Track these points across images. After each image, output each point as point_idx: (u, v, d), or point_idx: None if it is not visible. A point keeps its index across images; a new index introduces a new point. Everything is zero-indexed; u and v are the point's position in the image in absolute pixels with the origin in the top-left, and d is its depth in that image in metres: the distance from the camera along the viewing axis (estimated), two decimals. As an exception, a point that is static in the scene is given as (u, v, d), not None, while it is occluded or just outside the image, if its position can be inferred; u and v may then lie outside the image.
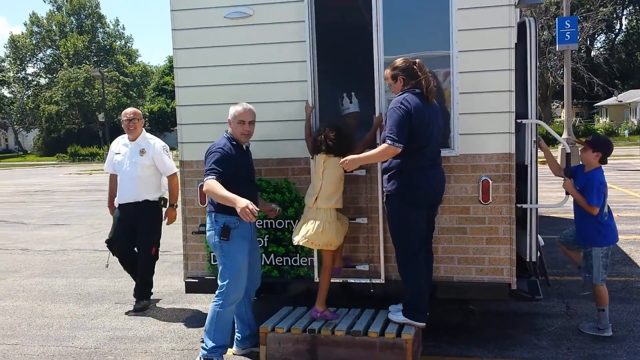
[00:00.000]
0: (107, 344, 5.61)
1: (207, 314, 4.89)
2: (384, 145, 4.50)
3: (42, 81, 71.62)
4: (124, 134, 6.65)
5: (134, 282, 6.71)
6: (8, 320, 6.41)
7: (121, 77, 63.68)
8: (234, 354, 5.17)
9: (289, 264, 5.41)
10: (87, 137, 60.22)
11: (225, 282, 4.76)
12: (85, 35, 68.54)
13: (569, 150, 5.39)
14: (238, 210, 4.29)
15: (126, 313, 6.50)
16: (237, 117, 4.80)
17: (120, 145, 6.63)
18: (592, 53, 49.61)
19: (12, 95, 72.06)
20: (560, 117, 55.07)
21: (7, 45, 70.43)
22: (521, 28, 5.15)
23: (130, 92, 64.74)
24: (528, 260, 5.21)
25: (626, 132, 45.44)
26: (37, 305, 6.98)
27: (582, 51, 42.20)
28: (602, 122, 55.29)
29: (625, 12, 56.59)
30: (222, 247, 4.74)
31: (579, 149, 5.40)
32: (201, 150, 4.85)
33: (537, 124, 5.10)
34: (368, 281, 5.23)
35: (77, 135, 62.00)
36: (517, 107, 4.96)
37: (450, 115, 4.99)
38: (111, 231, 6.61)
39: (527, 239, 5.15)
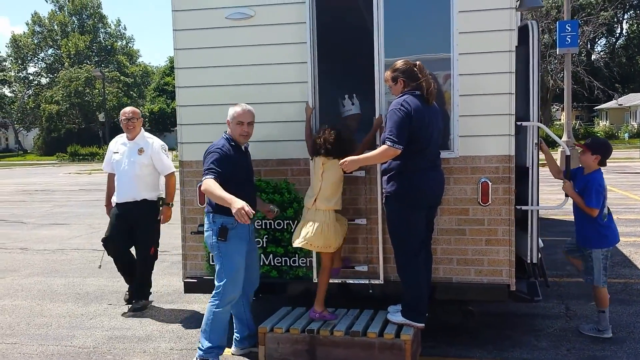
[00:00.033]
0: (106, 343, 5.61)
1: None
2: (383, 147, 4.50)
3: (43, 81, 71.74)
4: (124, 133, 6.65)
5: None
6: (7, 320, 6.41)
7: (122, 77, 63.74)
8: (232, 354, 5.18)
9: (288, 264, 5.42)
10: (87, 136, 60.25)
11: (222, 283, 4.75)
12: (86, 35, 68.62)
13: (568, 153, 5.40)
14: (233, 212, 4.27)
15: (124, 313, 6.49)
16: (236, 118, 4.80)
17: (118, 144, 6.62)
18: (593, 57, 49.68)
19: (13, 95, 72.15)
20: (560, 120, 55.10)
21: (9, 45, 70.65)
22: (524, 31, 5.16)
23: (131, 92, 64.79)
24: (529, 261, 5.21)
25: (626, 135, 45.47)
26: (36, 304, 6.98)
27: (582, 55, 42.27)
28: (602, 125, 55.34)
29: (626, 16, 56.71)
30: (220, 247, 4.73)
31: (578, 151, 5.41)
32: (201, 151, 4.85)
33: (538, 126, 5.11)
34: (367, 282, 5.24)
35: (77, 135, 62.03)
36: (518, 109, 4.97)
37: (450, 118, 5.00)
38: (108, 229, 6.56)
39: (529, 241, 5.16)
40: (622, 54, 57.58)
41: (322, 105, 5.28)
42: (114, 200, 6.56)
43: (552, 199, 12.59)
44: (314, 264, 5.26)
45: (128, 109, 6.58)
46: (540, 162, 5.29)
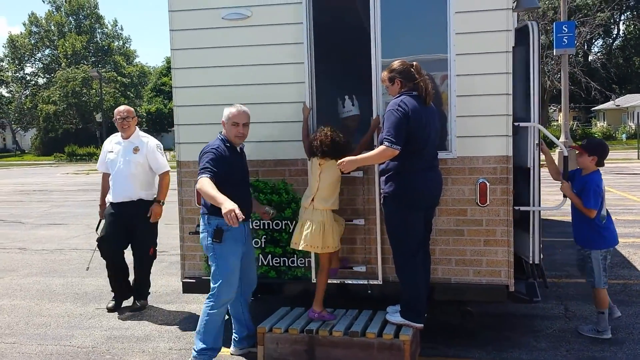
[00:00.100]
0: (105, 343, 5.61)
1: (204, 314, 4.89)
2: (381, 147, 4.51)
3: (40, 81, 71.57)
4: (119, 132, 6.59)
5: (131, 282, 6.70)
6: (6, 319, 6.41)
7: (119, 78, 63.63)
8: (231, 354, 5.18)
9: (287, 264, 5.42)
10: (84, 137, 60.10)
11: (217, 285, 4.74)
12: (83, 35, 68.49)
13: (566, 154, 5.41)
14: (223, 213, 4.20)
15: (122, 314, 6.49)
16: (231, 119, 4.77)
17: (113, 143, 6.56)
18: (590, 57, 49.68)
19: (10, 95, 72.04)
20: (557, 120, 55.13)
21: (6, 45, 70.44)
22: (524, 32, 5.17)
23: (128, 93, 64.69)
24: (531, 262, 5.22)
25: (624, 136, 45.52)
26: (34, 304, 6.97)
27: (579, 55, 42.28)
28: (599, 126, 55.38)
29: (622, 17, 56.75)
30: (215, 249, 4.72)
31: (576, 153, 5.42)
32: (198, 151, 4.83)
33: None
34: (366, 282, 5.24)
35: (74, 135, 61.90)
36: (518, 110, 4.98)
37: (448, 118, 5.01)
38: (103, 229, 6.49)
39: (530, 241, 5.16)
40: (619, 55, 57.62)
41: (319, 106, 5.28)
42: (109, 199, 6.50)
43: (550, 199, 12.60)
44: (313, 264, 5.27)
45: (122, 107, 6.52)
46: (540, 163, 5.29)
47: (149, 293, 6.78)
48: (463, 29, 4.89)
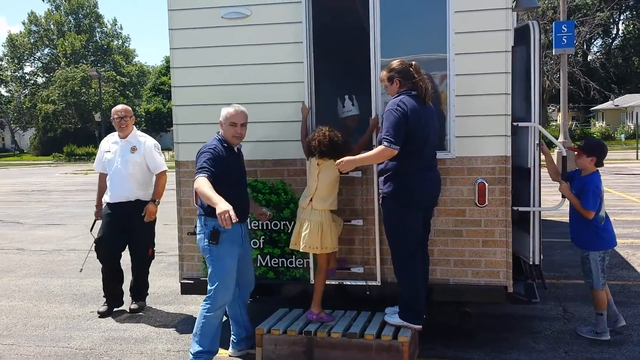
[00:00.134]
0: (103, 344, 5.59)
1: (202, 315, 4.87)
2: (380, 147, 4.49)
3: (40, 80, 71.53)
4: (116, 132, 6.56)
5: (129, 284, 6.67)
6: (4, 321, 6.39)
7: (118, 77, 63.60)
8: (229, 356, 5.16)
9: (285, 265, 5.40)
10: (83, 136, 60.07)
11: (213, 287, 4.71)
12: (82, 34, 68.46)
13: (564, 154, 5.40)
14: (217, 214, 4.14)
15: (121, 315, 6.47)
16: (229, 119, 4.74)
17: (110, 143, 6.51)
18: (589, 57, 49.76)
19: (9, 94, 72.03)
20: (556, 120, 55.17)
21: (5, 44, 70.42)
22: (524, 31, 5.16)
23: (127, 92, 64.66)
24: (531, 263, 5.20)
25: (622, 136, 45.54)
26: (32, 305, 6.95)
27: (578, 55, 42.36)
28: (598, 126, 55.42)
29: (622, 17, 56.80)
30: (211, 250, 4.69)
31: (574, 155, 5.40)
32: (197, 151, 4.82)
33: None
34: (364, 283, 5.23)
35: (73, 134, 61.87)
36: (518, 110, 4.96)
37: (447, 118, 5.00)
38: (100, 230, 6.42)
39: (531, 242, 5.15)
40: (618, 55, 57.68)
41: (318, 106, 5.27)
42: (106, 200, 6.43)
43: (549, 200, 12.58)
44: (311, 265, 5.25)
45: (120, 107, 6.47)
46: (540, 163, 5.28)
47: (148, 294, 6.75)
48: (462, 29, 4.88)
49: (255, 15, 5.25)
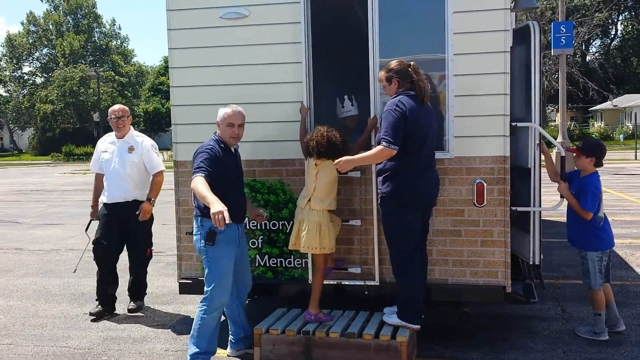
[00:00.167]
0: (101, 344, 5.59)
1: (200, 315, 4.87)
2: (379, 147, 4.49)
3: (38, 80, 71.54)
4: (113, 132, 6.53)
5: (127, 283, 6.66)
6: (2, 320, 6.38)
7: (117, 77, 63.60)
8: (228, 356, 5.16)
9: (283, 265, 5.40)
10: (81, 136, 60.02)
11: (210, 288, 4.69)
12: (81, 34, 68.44)
13: (563, 154, 5.40)
14: (211, 214, 4.11)
15: (119, 315, 6.46)
16: (226, 120, 4.73)
17: (107, 143, 6.48)
18: (587, 58, 49.82)
19: (7, 94, 71.98)
20: (554, 121, 55.20)
21: (4, 44, 70.39)
22: (525, 32, 5.16)
23: (126, 92, 64.65)
24: (531, 263, 5.20)
25: (621, 136, 45.57)
26: (30, 305, 6.95)
27: (577, 56, 42.41)
28: (596, 127, 55.45)
29: (620, 18, 56.86)
30: (208, 252, 4.67)
31: (573, 156, 5.40)
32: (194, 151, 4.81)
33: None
34: (362, 283, 5.23)
35: (71, 134, 61.83)
36: (518, 110, 4.96)
37: (445, 118, 5.00)
38: (98, 230, 6.38)
39: (531, 242, 5.15)
40: (616, 55, 57.74)
41: (317, 106, 5.27)
42: (103, 200, 6.40)
43: (547, 200, 12.59)
44: (310, 265, 5.25)
45: (117, 107, 6.45)
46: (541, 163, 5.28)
47: (146, 294, 6.75)
48: (461, 29, 4.88)
49: (254, 15, 5.25)
